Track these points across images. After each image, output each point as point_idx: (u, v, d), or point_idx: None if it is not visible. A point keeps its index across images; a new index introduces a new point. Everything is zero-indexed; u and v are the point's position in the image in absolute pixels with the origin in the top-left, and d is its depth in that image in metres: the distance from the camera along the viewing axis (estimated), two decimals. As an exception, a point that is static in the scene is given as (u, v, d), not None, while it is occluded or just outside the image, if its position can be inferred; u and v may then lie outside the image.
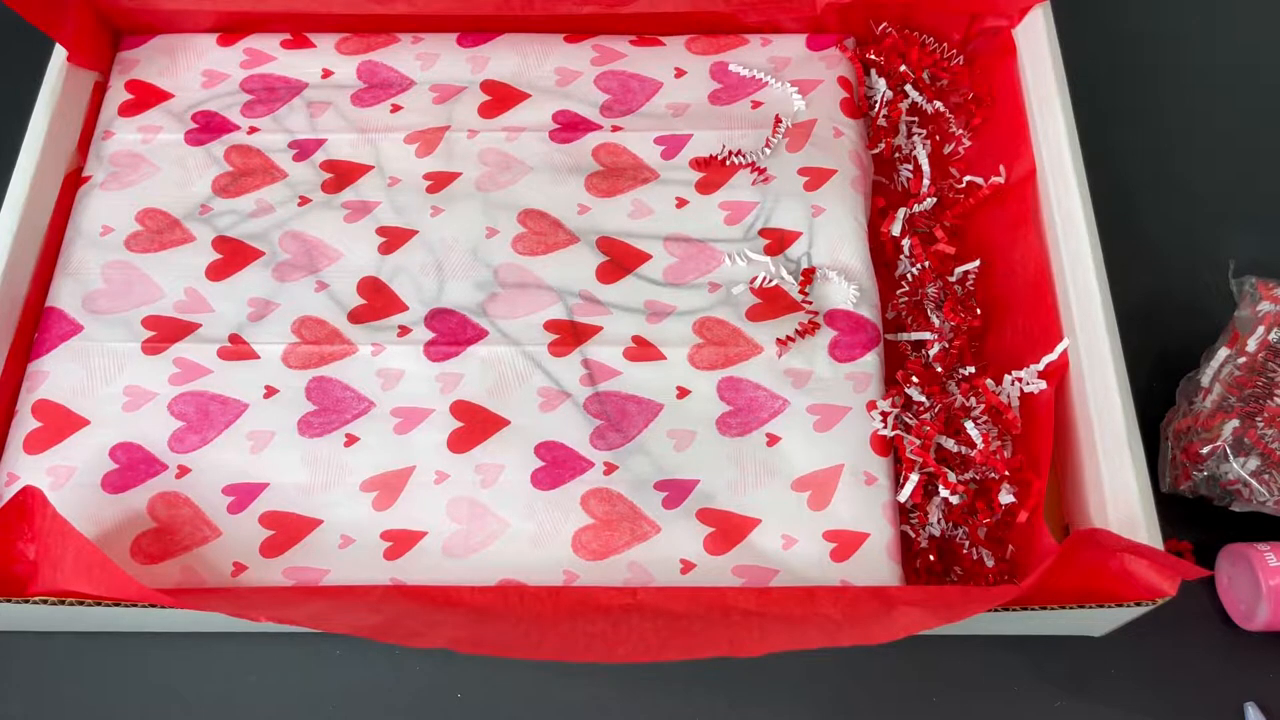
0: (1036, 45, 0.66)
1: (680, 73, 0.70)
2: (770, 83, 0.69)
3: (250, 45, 0.71)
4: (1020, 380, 0.59)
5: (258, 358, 0.60)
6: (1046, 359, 0.58)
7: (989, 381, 0.60)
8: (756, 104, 0.69)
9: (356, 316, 0.61)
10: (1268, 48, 0.80)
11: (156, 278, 0.62)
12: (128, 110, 0.68)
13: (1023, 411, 0.59)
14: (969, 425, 0.58)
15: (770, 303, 0.62)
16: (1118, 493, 0.53)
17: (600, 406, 0.59)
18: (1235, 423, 0.59)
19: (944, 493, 0.57)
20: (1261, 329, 0.62)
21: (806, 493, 0.57)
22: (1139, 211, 0.71)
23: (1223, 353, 0.62)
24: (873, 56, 0.71)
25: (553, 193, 0.65)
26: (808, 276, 0.62)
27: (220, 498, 0.56)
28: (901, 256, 0.65)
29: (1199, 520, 0.61)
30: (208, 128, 0.68)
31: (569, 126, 0.68)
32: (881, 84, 0.70)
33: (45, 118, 0.64)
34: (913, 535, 0.57)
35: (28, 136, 0.63)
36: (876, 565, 0.55)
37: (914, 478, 0.57)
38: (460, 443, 0.57)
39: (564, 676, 0.56)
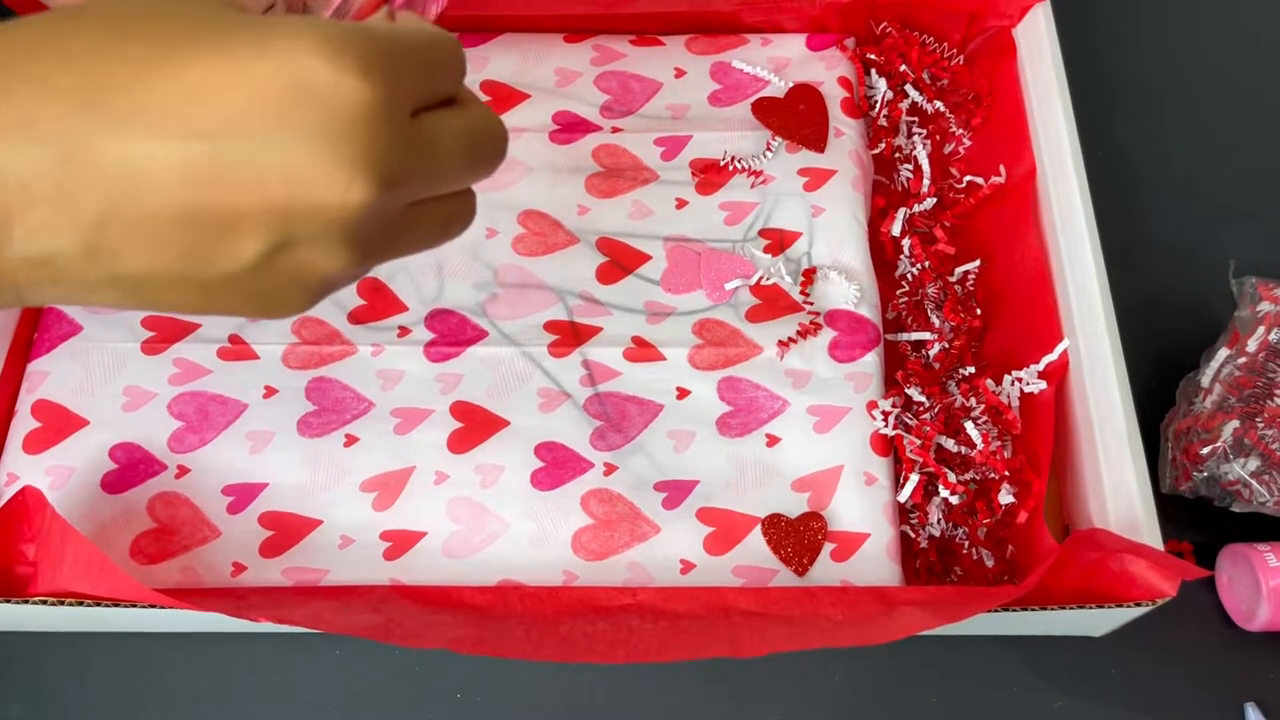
0: (1037, 44, 0.66)
1: (680, 73, 0.70)
2: (772, 80, 0.69)
3: (250, 45, 0.71)
4: (1020, 380, 0.59)
5: (257, 358, 0.60)
6: (1046, 359, 0.58)
7: (989, 382, 0.60)
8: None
9: (356, 317, 0.61)
10: (1269, 47, 0.80)
11: (156, 278, 0.62)
12: (127, 110, 0.68)
13: (1023, 412, 0.59)
14: (969, 425, 0.58)
15: (770, 303, 0.62)
16: (1118, 493, 0.53)
17: (600, 407, 0.59)
18: (1235, 423, 0.59)
19: (944, 493, 0.57)
20: (1262, 329, 0.62)
21: (806, 493, 0.57)
22: (1139, 211, 0.71)
23: (1223, 353, 0.62)
24: (873, 56, 0.70)
25: (552, 193, 0.65)
26: (808, 277, 0.62)
27: (220, 498, 0.56)
28: (902, 256, 0.65)
29: (1199, 521, 0.61)
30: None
31: (568, 128, 0.68)
32: (882, 84, 0.70)
33: (45, 118, 0.64)
34: (913, 535, 0.57)
35: (27, 136, 0.63)
36: (877, 566, 0.55)
37: (914, 478, 0.56)
38: (460, 443, 0.57)
39: (564, 676, 0.56)
